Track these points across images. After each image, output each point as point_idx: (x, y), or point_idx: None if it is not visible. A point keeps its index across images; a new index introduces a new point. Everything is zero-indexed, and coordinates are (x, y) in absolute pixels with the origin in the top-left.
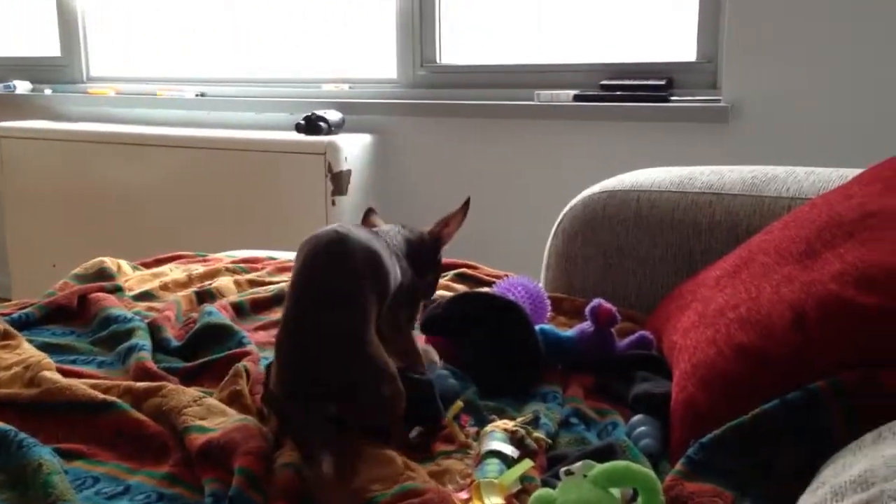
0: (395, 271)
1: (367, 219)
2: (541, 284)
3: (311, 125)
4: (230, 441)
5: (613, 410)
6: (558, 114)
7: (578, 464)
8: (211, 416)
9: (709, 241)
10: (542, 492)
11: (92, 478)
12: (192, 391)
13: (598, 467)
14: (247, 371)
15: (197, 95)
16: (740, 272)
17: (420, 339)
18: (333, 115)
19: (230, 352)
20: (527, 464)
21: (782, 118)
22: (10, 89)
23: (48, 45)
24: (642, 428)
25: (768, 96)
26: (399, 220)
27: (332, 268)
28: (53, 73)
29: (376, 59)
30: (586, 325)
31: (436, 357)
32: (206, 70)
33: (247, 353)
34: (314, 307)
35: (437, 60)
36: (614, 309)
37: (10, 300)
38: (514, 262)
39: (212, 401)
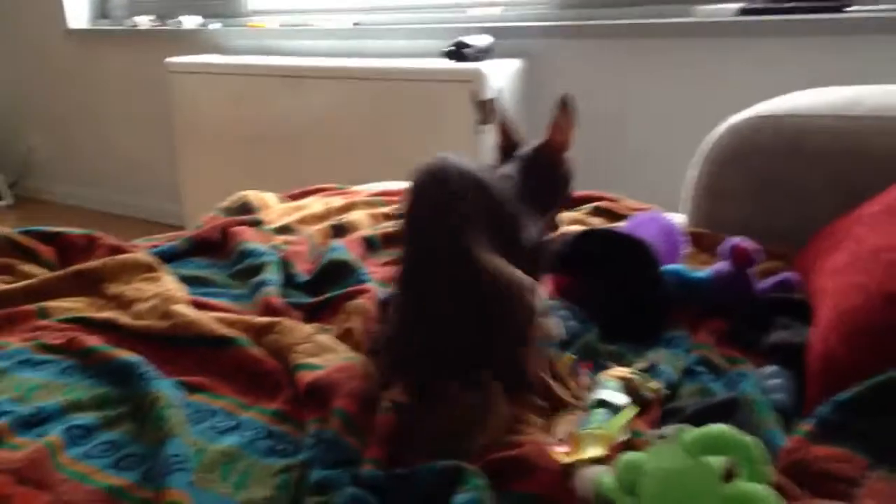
0: (520, 216)
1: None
2: (683, 218)
3: (459, 52)
4: (333, 381)
5: (745, 359)
6: (721, 31)
7: (671, 427)
8: (322, 353)
9: (874, 173)
10: (631, 456)
11: (210, 411)
12: (306, 328)
13: (693, 432)
14: (362, 309)
15: (353, 25)
16: None
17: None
18: (482, 41)
19: (349, 289)
20: (631, 411)
21: None
22: (180, 24)
23: None
24: (775, 381)
25: None
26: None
27: (433, 201)
28: (219, 6)
29: None
30: (723, 266)
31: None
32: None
33: (365, 291)
34: (419, 239)
35: None
36: (754, 247)
37: (184, 228)
38: (669, 195)
39: (323, 338)
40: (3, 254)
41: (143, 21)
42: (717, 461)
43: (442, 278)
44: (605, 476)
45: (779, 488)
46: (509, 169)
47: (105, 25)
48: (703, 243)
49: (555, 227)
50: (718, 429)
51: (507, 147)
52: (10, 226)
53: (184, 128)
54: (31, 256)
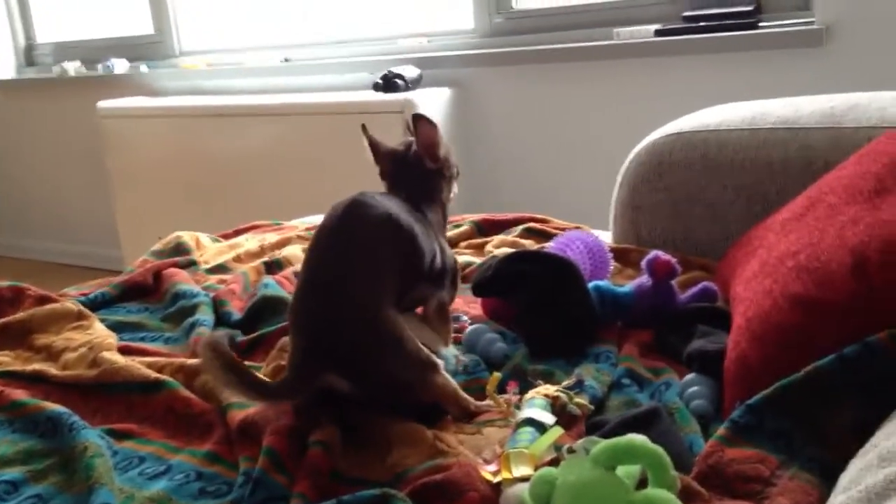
0: (431, 245)
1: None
2: (609, 235)
3: (389, 83)
4: (263, 418)
5: (669, 369)
6: (640, 51)
7: (580, 441)
8: None
9: (783, 181)
10: (543, 471)
11: (138, 458)
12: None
13: (600, 444)
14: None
15: (282, 61)
16: (806, 215)
17: (472, 300)
18: (411, 72)
19: (282, 325)
20: (556, 432)
21: (882, 40)
22: (109, 69)
23: (141, 23)
24: (695, 388)
25: (866, 17)
26: (479, 172)
27: (345, 233)
28: (148, 49)
29: (453, 10)
30: (644, 279)
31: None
32: (290, 35)
33: None
34: (324, 271)
35: (513, 6)
36: (673, 260)
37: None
38: (598, 214)
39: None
40: None
41: (72, 67)
42: (629, 470)
43: (340, 336)
44: (528, 494)
45: (690, 493)
46: (397, 188)
47: (32, 74)
48: (628, 258)
49: (445, 221)
50: (626, 439)
51: (386, 167)
52: None
53: (119, 171)
54: None
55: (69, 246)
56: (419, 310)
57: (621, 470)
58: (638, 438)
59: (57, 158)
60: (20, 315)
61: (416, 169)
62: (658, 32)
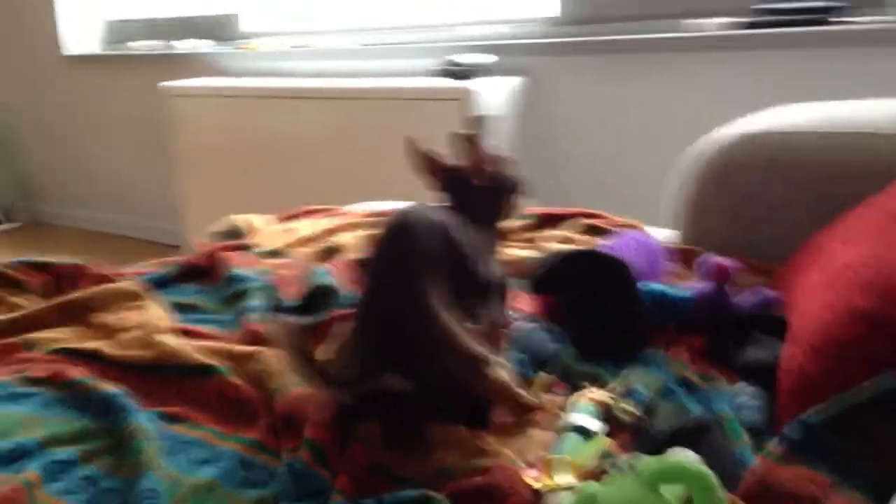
0: (479, 260)
1: None
2: (668, 232)
3: (454, 70)
4: (305, 409)
5: (720, 377)
6: (708, 45)
7: (625, 456)
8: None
9: (852, 188)
10: (587, 487)
11: (186, 442)
12: (291, 321)
13: (647, 462)
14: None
15: (354, 45)
16: (875, 224)
17: (526, 297)
18: (481, 59)
19: (332, 314)
20: (601, 441)
21: None
22: (178, 48)
23: (211, 3)
24: (746, 398)
25: None
26: (543, 162)
27: (403, 240)
28: (216, 30)
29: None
30: (700, 283)
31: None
32: (360, 18)
33: (347, 316)
34: (385, 276)
35: None
36: (729, 264)
37: (182, 248)
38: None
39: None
40: None
41: (142, 45)
42: (674, 491)
43: (399, 336)
44: None
45: None
46: (450, 203)
47: (103, 50)
48: (686, 259)
49: (497, 239)
50: (674, 460)
51: (437, 181)
52: (7, 249)
53: (181, 150)
54: (19, 288)
55: (131, 219)
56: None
57: (667, 488)
58: (686, 458)
59: (123, 134)
60: (79, 293)
61: (466, 184)
62: (729, 25)
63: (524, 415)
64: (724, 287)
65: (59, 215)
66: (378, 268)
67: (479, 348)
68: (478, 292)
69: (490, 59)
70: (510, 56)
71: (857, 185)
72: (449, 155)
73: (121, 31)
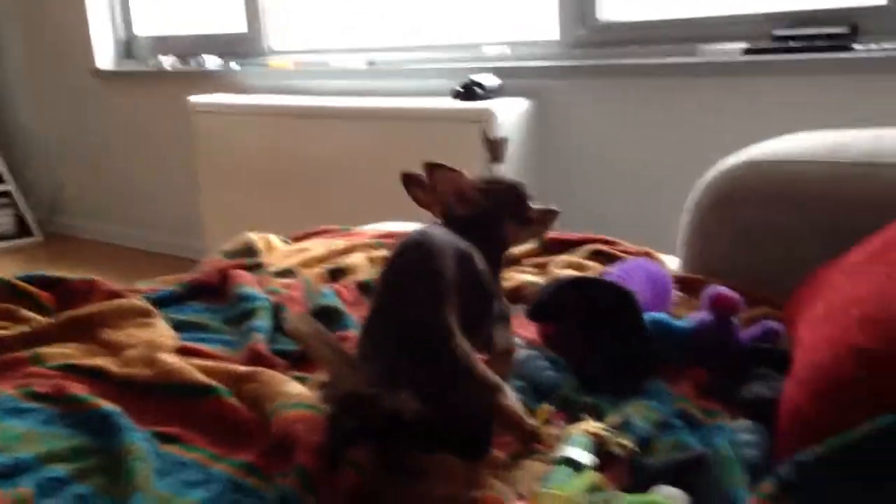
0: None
1: None
2: (676, 263)
3: (468, 91)
4: (297, 433)
5: (723, 412)
6: (726, 70)
7: (604, 494)
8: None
9: (861, 220)
10: None
11: (181, 463)
12: (282, 378)
13: (621, 500)
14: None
15: (367, 64)
16: (880, 259)
17: (526, 324)
18: (491, 80)
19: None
20: (590, 476)
21: None
22: (202, 64)
23: (234, 21)
24: (747, 435)
25: None
26: (553, 185)
27: (414, 264)
28: (239, 47)
29: (538, 21)
30: (705, 315)
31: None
32: (375, 38)
33: (348, 338)
34: (395, 300)
35: (598, 18)
36: (736, 296)
37: None
38: (673, 238)
39: (298, 387)
40: (3, 300)
41: (166, 62)
42: None
43: (417, 356)
44: None
45: None
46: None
47: (131, 66)
48: (693, 289)
49: (502, 266)
50: (650, 497)
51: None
52: (40, 261)
53: (206, 165)
54: (31, 302)
55: (154, 234)
56: None
57: None
58: (668, 496)
59: (148, 149)
60: (88, 309)
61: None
62: (747, 51)
63: (531, 444)
64: (729, 319)
65: (90, 230)
66: (395, 287)
67: (494, 376)
68: (490, 320)
69: (496, 80)
70: (517, 78)
71: (867, 216)
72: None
73: (148, 46)
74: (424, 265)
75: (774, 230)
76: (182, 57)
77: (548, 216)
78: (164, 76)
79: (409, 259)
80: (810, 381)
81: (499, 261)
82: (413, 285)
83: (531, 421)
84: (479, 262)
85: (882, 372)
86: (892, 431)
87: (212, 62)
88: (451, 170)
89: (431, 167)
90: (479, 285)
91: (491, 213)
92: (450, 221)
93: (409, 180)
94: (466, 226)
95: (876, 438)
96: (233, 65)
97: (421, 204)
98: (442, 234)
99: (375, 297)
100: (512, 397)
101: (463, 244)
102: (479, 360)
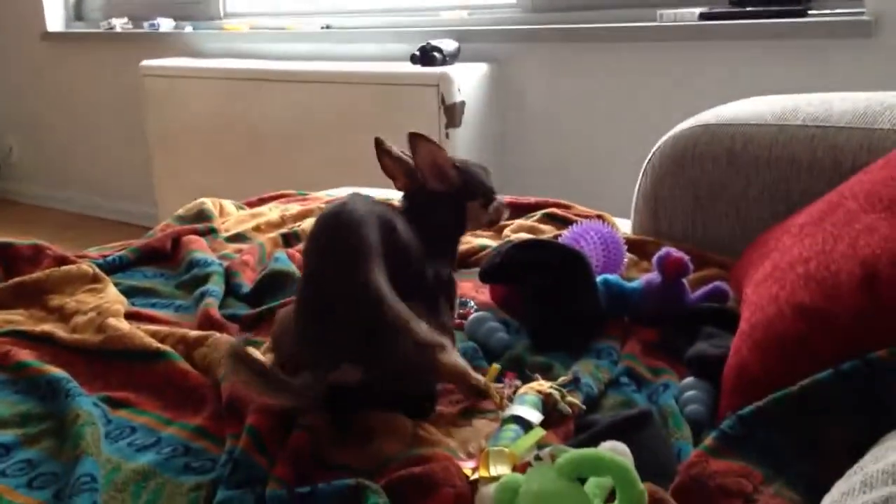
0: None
1: None
2: (628, 226)
3: (426, 56)
4: (247, 395)
5: (670, 370)
6: (683, 35)
7: (548, 449)
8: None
9: (809, 182)
10: (508, 477)
11: (131, 428)
12: (233, 340)
13: (566, 455)
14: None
15: (322, 28)
16: (824, 219)
17: (481, 286)
18: (449, 45)
19: (286, 300)
20: (539, 433)
21: None
22: (155, 27)
23: None
24: (692, 392)
25: None
26: (511, 151)
27: (338, 232)
28: (193, 10)
29: None
30: (655, 276)
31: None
32: (332, 1)
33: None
34: (324, 267)
35: None
36: (685, 258)
37: None
38: (629, 202)
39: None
40: None
41: (118, 24)
42: (601, 482)
43: (350, 322)
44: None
45: None
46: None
47: (81, 28)
48: (645, 251)
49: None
50: (592, 451)
51: (405, 186)
52: None
53: (159, 131)
54: None
55: (106, 201)
56: None
57: (593, 481)
58: (611, 450)
59: (99, 114)
60: (36, 274)
61: (426, 189)
62: (703, 16)
63: (479, 399)
64: (678, 280)
65: (37, 195)
66: (318, 256)
67: (433, 334)
68: (423, 293)
69: (454, 45)
70: (475, 42)
71: (815, 178)
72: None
73: (99, 8)
74: (346, 232)
75: (725, 193)
76: (134, 19)
77: (504, 207)
78: (116, 39)
79: (330, 227)
80: (755, 339)
81: (455, 239)
82: (337, 253)
83: (477, 376)
84: (404, 230)
85: (823, 328)
86: (829, 386)
87: (165, 25)
88: (434, 144)
89: (416, 137)
90: (407, 256)
91: (461, 192)
92: (414, 194)
93: (380, 147)
94: (433, 201)
95: (813, 393)
96: (187, 28)
97: (387, 172)
98: (363, 204)
99: (303, 272)
100: (454, 354)
101: (387, 213)
102: (416, 318)
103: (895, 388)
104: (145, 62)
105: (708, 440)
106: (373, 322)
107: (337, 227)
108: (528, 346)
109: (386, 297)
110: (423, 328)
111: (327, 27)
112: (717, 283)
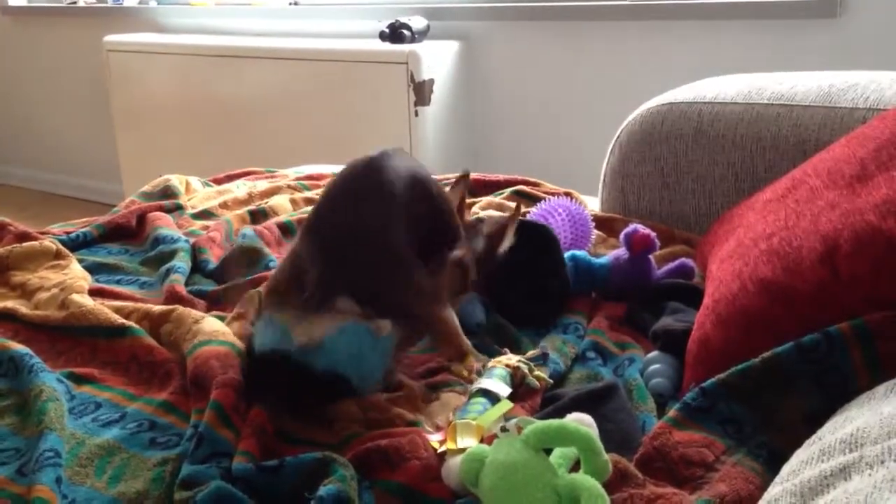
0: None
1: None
2: (596, 203)
3: (395, 33)
4: (211, 369)
5: (635, 344)
6: (649, 13)
7: (514, 420)
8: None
9: (774, 159)
10: (475, 448)
11: (95, 403)
12: (195, 315)
13: (532, 426)
14: (261, 297)
15: (290, 3)
16: (787, 196)
17: None
18: (418, 22)
19: (254, 276)
20: (506, 405)
21: None
22: (119, 2)
23: None
24: (657, 366)
25: None
26: (479, 128)
27: (365, 181)
28: None
29: None
30: (622, 252)
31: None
32: None
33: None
34: (343, 208)
35: None
36: (651, 234)
37: None
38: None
39: (213, 323)
40: None
41: None
42: (566, 452)
43: (360, 258)
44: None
45: (625, 476)
46: None
47: (43, 2)
48: (613, 228)
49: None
50: (557, 422)
51: None
52: None
53: (122, 106)
54: None
55: (70, 178)
56: None
57: (559, 451)
58: (571, 422)
59: (62, 89)
60: None
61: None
62: None
63: (462, 361)
64: (645, 256)
65: None
66: (344, 194)
67: (439, 289)
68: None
69: (423, 22)
70: (444, 20)
71: (779, 156)
72: None
73: None
74: (377, 177)
75: (692, 170)
76: None
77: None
78: (79, 13)
79: (361, 171)
80: (719, 313)
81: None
82: (363, 195)
83: (465, 340)
84: (437, 188)
85: (785, 302)
86: (790, 359)
87: None
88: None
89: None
90: (435, 210)
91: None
92: None
93: None
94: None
95: (775, 366)
96: (151, 2)
97: None
98: (407, 160)
99: (321, 203)
100: (452, 314)
101: (423, 171)
102: (425, 274)
103: (854, 361)
104: (109, 37)
105: (671, 412)
106: (382, 263)
107: (366, 172)
108: (496, 321)
109: (400, 245)
110: (428, 281)
111: (295, 3)
112: (683, 259)
